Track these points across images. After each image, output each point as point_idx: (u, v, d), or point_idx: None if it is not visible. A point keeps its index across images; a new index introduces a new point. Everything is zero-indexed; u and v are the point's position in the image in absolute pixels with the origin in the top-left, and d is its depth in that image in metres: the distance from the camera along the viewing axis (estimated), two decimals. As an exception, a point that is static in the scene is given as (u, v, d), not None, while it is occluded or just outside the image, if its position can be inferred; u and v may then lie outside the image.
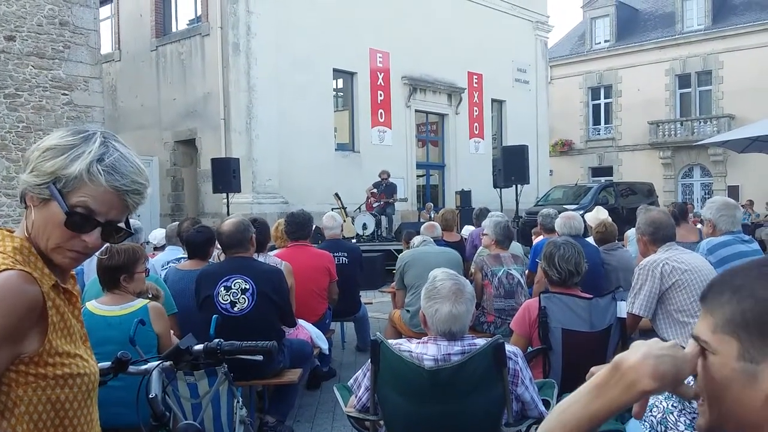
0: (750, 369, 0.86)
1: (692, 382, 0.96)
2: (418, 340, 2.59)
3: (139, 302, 3.14)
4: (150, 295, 3.46)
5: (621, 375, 0.92)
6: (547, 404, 2.82)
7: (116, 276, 3.13)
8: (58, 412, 1.24)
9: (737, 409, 0.87)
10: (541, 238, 6.58)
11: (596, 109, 30.99)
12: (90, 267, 4.71)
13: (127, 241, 3.91)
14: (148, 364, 2.18)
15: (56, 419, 1.24)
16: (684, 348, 0.95)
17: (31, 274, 1.20)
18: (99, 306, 3.10)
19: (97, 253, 3.22)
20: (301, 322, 4.74)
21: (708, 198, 11.27)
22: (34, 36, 11.85)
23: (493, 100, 21.96)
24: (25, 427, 1.20)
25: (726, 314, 0.89)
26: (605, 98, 30.60)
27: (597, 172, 30.21)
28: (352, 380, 2.80)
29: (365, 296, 7.22)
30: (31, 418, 1.20)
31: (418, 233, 6.32)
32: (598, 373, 0.96)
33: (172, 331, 3.33)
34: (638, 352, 0.92)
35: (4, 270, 1.17)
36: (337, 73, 17.35)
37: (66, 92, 12.30)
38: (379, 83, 18.14)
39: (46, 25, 12.00)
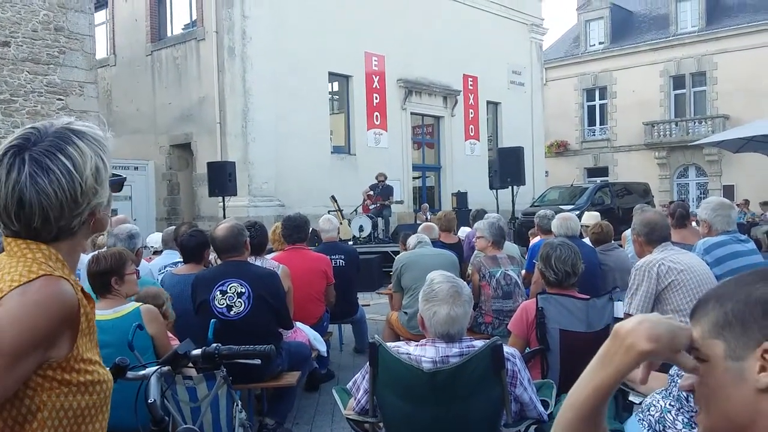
0: (737, 367, 0.89)
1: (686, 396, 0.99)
2: (417, 343, 2.60)
3: (131, 305, 3.14)
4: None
5: (621, 340, 0.96)
6: (546, 405, 2.82)
7: (106, 280, 3.14)
8: (77, 419, 1.24)
9: (730, 409, 0.90)
10: (538, 239, 6.58)
11: (591, 110, 31.06)
12: (84, 275, 4.70)
13: (120, 245, 3.93)
14: (147, 369, 2.18)
15: (74, 425, 1.24)
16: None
17: (68, 280, 1.21)
18: (94, 311, 3.10)
19: (87, 259, 3.20)
20: (298, 324, 4.73)
21: (703, 198, 11.32)
22: (29, 41, 11.83)
23: (488, 102, 22.00)
24: None
25: (711, 320, 0.94)
26: (600, 99, 30.69)
27: (593, 172, 30.27)
28: (350, 383, 2.80)
29: (362, 298, 7.21)
30: (53, 424, 1.21)
31: (417, 234, 6.31)
32: (602, 345, 1.00)
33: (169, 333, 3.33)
34: (635, 318, 0.97)
35: (44, 275, 1.18)
36: (333, 76, 17.36)
37: (61, 97, 12.28)
38: (374, 86, 18.15)
39: (41, 30, 11.98)
